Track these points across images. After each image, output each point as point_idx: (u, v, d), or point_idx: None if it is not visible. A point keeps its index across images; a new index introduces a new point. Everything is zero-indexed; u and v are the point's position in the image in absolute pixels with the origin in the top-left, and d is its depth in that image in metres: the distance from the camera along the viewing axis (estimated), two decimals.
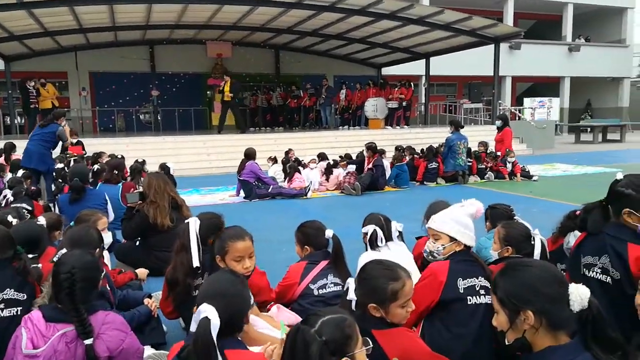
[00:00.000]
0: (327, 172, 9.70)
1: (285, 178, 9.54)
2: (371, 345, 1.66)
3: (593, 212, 2.44)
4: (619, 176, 2.40)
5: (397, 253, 3.21)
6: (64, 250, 2.39)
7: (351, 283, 2.13)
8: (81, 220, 3.55)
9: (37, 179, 7.38)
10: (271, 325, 2.49)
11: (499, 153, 10.95)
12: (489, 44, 16.80)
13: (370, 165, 9.53)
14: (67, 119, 19.81)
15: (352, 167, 9.86)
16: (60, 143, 8.25)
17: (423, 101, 21.19)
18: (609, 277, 2.30)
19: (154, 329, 2.99)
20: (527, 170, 10.53)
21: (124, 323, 2.18)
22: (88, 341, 2.01)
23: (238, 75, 20.19)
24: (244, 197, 8.70)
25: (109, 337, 2.07)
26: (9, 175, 7.21)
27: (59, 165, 8.32)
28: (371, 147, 9.74)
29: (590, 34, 27.03)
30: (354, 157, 10.57)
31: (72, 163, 8.43)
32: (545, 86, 26.99)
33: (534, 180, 10.16)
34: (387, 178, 9.62)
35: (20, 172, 6.68)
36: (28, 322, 2.04)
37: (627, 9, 26.13)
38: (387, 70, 22.39)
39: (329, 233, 3.06)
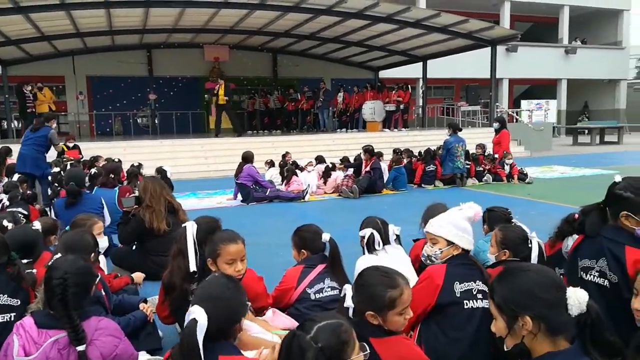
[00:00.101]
0: (326, 175, 9.69)
1: (282, 181, 9.53)
2: (368, 352, 1.64)
3: (591, 215, 2.43)
4: (617, 179, 2.38)
5: (395, 256, 3.19)
6: (59, 256, 2.37)
7: (348, 290, 2.11)
8: (77, 224, 3.53)
9: (33, 183, 7.36)
10: (266, 330, 2.47)
11: (496, 155, 10.95)
12: (485, 46, 16.84)
13: (367, 168, 9.52)
14: (64, 123, 19.85)
15: (350, 170, 9.86)
16: (56, 146, 8.20)
17: (421, 104, 21.22)
18: (606, 281, 2.28)
19: (150, 334, 2.97)
20: (525, 172, 10.53)
21: (118, 329, 2.16)
22: (81, 347, 1.99)
23: (236, 78, 20.22)
24: (242, 201, 8.68)
25: (103, 343, 2.04)
26: (5, 180, 7.18)
27: (55, 169, 8.29)
28: (368, 150, 9.73)
29: (587, 36, 27.12)
30: (351, 160, 10.56)
31: (68, 167, 8.39)
32: (542, 88, 27.06)
33: (527, 183, 10.15)
34: (384, 181, 9.61)
35: (16, 177, 6.65)
36: (20, 328, 2.02)
37: (623, 11, 26.22)
38: (384, 73, 22.41)
39: (325, 237, 3.04)
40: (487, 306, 2.16)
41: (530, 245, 2.79)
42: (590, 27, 27.22)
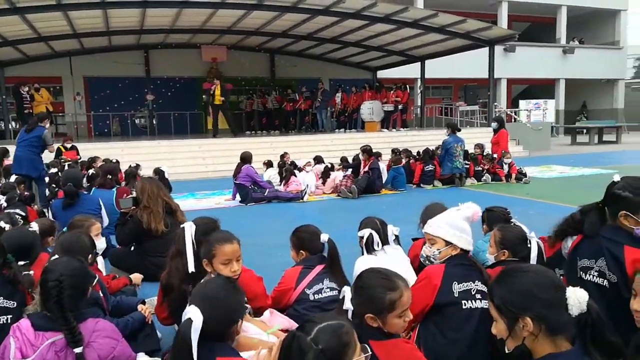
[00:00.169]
0: (324, 175, 9.68)
1: (281, 182, 9.52)
2: (370, 353, 1.62)
3: (589, 215, 2.42)
4: (616, 178, 2.37)
5: (394, 257, 3.19)
6: (55, 257, 2.36)
7: (347, 292, 2.09)
8: (74, 226, 3.52)
9: (30, 184, 7.33)
10: (263, 331, 2.45)
11: (495, 155, 10.95)
12: (483, 46, 16.86)
13: (366, 168, 9.52)
14: (62, 124, 19.81)
15: (348, 170, 9.85)
16: (54, 146, 8.16)
17: (419, 104, 21.23)
18: (605, 281, 2.27)
19: (148, 335, 2.95)
20: (523, 172, 10.53)
21: (115, 330, 2.15)
22: (78, 350, 1.98)
23: (233, 79, 20.20)
24: (240, 201, 8.66)
25: (100, 345, 2.03)
26: (2, 181, 7.16)
27: (53, 170, 8.28)
28: (366, 150, 9.73)
29: (585, 36, 27.17)
30: (350, 161, 10.55)
31: (66, 168, 8.38)
32: (540, 88, 27.10)
33: (525, 183, 10.15)
34: (383, 181, 9.60)
35: (13, 178, 6.62)
36: (17, 331, 2.01)
37: (621, 11, 26.28)
38: (382, 73, 22.41)
39: (324, 237, 3.03)
40: (486, 306, 2.15)
41: (529, 245, 2.79)
42: (588, 27, 27.27)
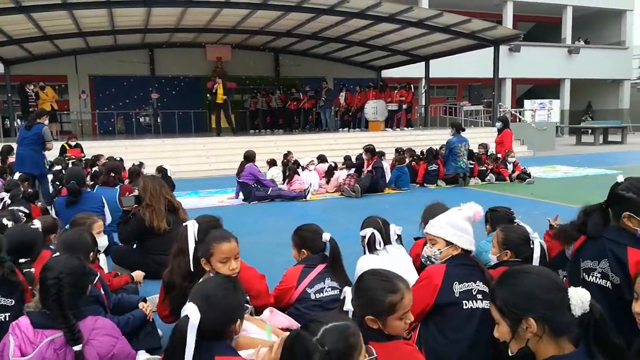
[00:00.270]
0: (328, 174, 9.68)
1: (284, 180, 9.52)
2: (375, 355, 1.60)
3: (593, 216, 2.39)
4: (620, 179, 2.35)
5: (396, 256, 3.18)
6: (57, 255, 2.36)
7: (348, 293, 2.07)
8: (76, 223, 3.52)
9: (34, 182, 7.34)
10: (262, 330, 2.45)
11: (499, 155, 10.91)
12: (488, 46, 16.79)
13: (369, 168, 9.50)
14: (67, 122, 19.88)
15: (352, 170, 9.83)
16: (52, 143, 8.13)
17: (423, 103, 21.18)
18: (608, 282, 2.25)
19: (149, 333, 2.94)
20: (527, 172, 10.49)
21: (115, 328, 2.15)
22: (77, 347, 1.97)
23: (238, 78, 20.22)
24: (243, 200, 8.67)
25: (99, 343, 2.03)
26: (8, 178, 7.17)
27: (57, 168, 8.30)
28: (369, 150, 9.71)
29: (590, 36, 27.03)
30: (353, 160, 10.54)
31: (70, 165, 8.40)
32: (545, 88, 26.99)
33: (528, 183, 10.09)
34: (387, 180, 9.58)
35: (17, 175, 6.64)
36: (16, 328, 2.01)
37: (627, 11, 26.13)
38: (386, 73, 22.37)
39: (326, 236, 3.03)
40: (487, 307, 2.13)
41: (532, 246, 2.77)
42: (594, 27, 27.14)
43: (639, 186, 2.26)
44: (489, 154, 10.99)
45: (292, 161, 10.22)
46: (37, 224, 3.33)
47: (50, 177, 7.93)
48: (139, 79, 20.24)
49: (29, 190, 6.24)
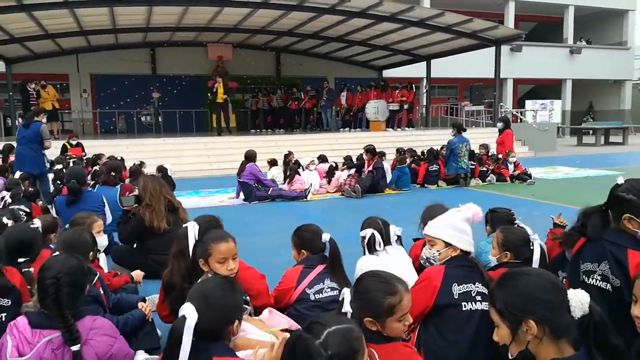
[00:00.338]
0: (329, 174, 9.67)
1: (285, 180, 9.51)
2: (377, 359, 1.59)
3: (592, 218, 2.38)
4: (620, 180, 2.33)
5: (396, 257, 3.17)
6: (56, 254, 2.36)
7: (347, 294, 2.07)
8: (76, 223, 3.52)
9: (34, 180, 7.34)
10: (261, 330, 2.44)
11: (500, 156, 10.90)
12: (490, 46, 16.77)
13: (370, 168, 9.50)
14: (68, 121, 19.89)
15: (352, 170, 9.82)
16: (50, 141, 8.12)
17: (424, 103, 21.16)
18: (608, 284, 2.24)
19: (148, 333, 2.94)
20: (528, 173, 10.47)
21: (113, 328, 2.14)
22: (75, 347, 1.97)
23: (239, 77, 20.22)
24: (244, 199, 8.67)
25: (97, 343, 2.03)
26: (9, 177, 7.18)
27: (58, 167, 8.30)
28: (370, 150, 9.70)
29: (592, 36, 26.99)
30: (354, 160, 10.53)
31: (70, 164, 8.40)
32: (546, 88, 26.96)
33: (528, 184, 10.07)
34: (387, 181, 9.57)
35: (18, 174, 6.64)
36: (14, 328, 2.00)
37: (629, 11, 26.09)
38: (388, 73, 22.36)
39: (325, 237, 3.02)
40: (486, 308, 2.13)
41: (532, 247, 2.76)
42: (595, 27, 27.09)
43: (639, 188, 2.24)
44: (490, 154, 10.97)
45: (293, 161, 10.21)
46: (37, 223, 3.33)
47: (51, 176, 7.94)
48: (140, 78, 20.26)
49: (30, 189, 6.23)
